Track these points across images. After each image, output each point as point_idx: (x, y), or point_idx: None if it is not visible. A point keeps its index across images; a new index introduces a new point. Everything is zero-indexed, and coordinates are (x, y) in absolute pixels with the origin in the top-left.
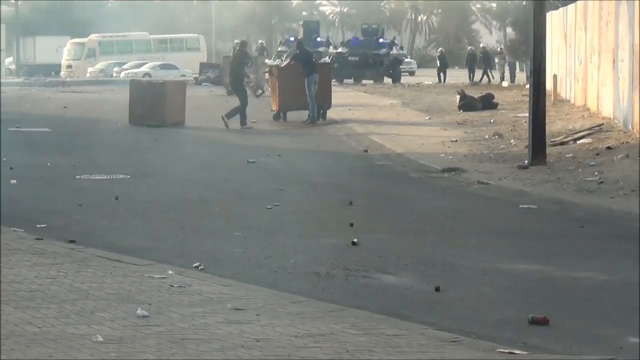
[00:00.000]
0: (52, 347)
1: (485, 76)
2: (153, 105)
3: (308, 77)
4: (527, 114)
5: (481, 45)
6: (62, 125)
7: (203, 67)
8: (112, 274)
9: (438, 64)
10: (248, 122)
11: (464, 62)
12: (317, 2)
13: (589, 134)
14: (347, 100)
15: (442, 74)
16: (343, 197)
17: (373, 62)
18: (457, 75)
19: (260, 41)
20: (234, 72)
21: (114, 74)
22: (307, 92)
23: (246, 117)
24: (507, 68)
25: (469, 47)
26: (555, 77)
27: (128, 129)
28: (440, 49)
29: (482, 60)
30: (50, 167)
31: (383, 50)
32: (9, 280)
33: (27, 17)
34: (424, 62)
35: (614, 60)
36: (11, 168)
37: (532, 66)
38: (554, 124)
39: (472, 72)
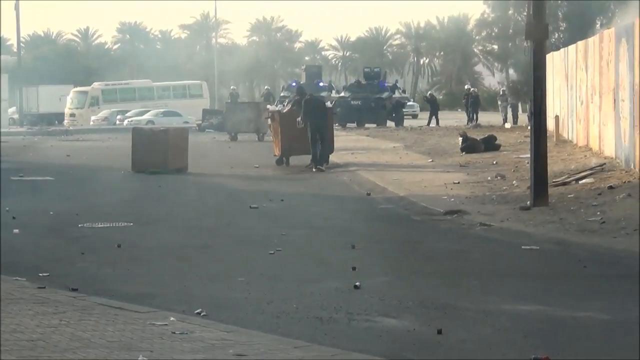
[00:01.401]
0: None
1: (470, 119)
2: (155, 152)
3: None
4: (529, 155)
5: (466, 87)
6: (65, 173)
7: (206, 113)
8: (114, 321)
9: (429, 108)
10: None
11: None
12: (319, 46)
13: (591, 174)
14: (350, 144)
15: (434, 117)
16: (346, 240)
17: (375, 105)
18: (461, 118)
19: (266, 87)
20: (320, 117)
21: (117, 122)
22: (309, 136)
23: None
24: (509, 109)
25: (466, 87)
26: (557, 117)
27: (131, 176)
28: (429, 92)
29: (465, 103)
30: (53, 216)
31: (385, 94)
32: (10, 329)
33: (30, 66)
34: (426, 105)
35: (614, 100)
36: (14, 217)
37: (533, 107)
38: (556, 165)
39: (470, 113)
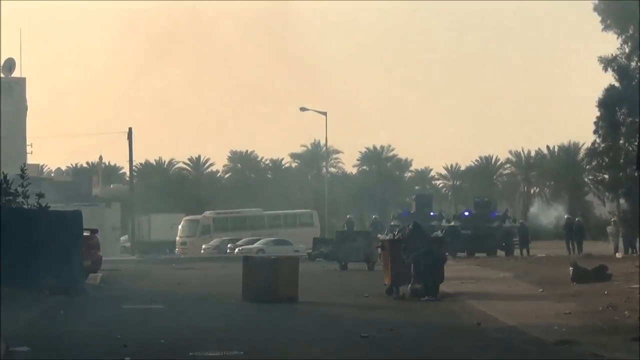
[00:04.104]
0: None
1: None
2: (266, 280)
3: None
4: None
5: (566, 216)
6: (176, 302)
7: (316, 242)
8: None
9: (518, 238)
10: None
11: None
12: (429, 175)
13: None
14: (460, 273)
15: (524, 249)
16: None
17: (485, 235)
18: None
19: (374, 216)
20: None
21: (228, 250)
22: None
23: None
24: (620, 239)
25: (566, 217)
26: None
27: (241, 304)
28: (520, 220)
29: (566, 234)
30: (164, 344)
31: (495, 223)
32: None
33: (142, 195)
34: (536, 233)
35: None
36: (125, 345)
37: None
38: None
39: (570, 242)
